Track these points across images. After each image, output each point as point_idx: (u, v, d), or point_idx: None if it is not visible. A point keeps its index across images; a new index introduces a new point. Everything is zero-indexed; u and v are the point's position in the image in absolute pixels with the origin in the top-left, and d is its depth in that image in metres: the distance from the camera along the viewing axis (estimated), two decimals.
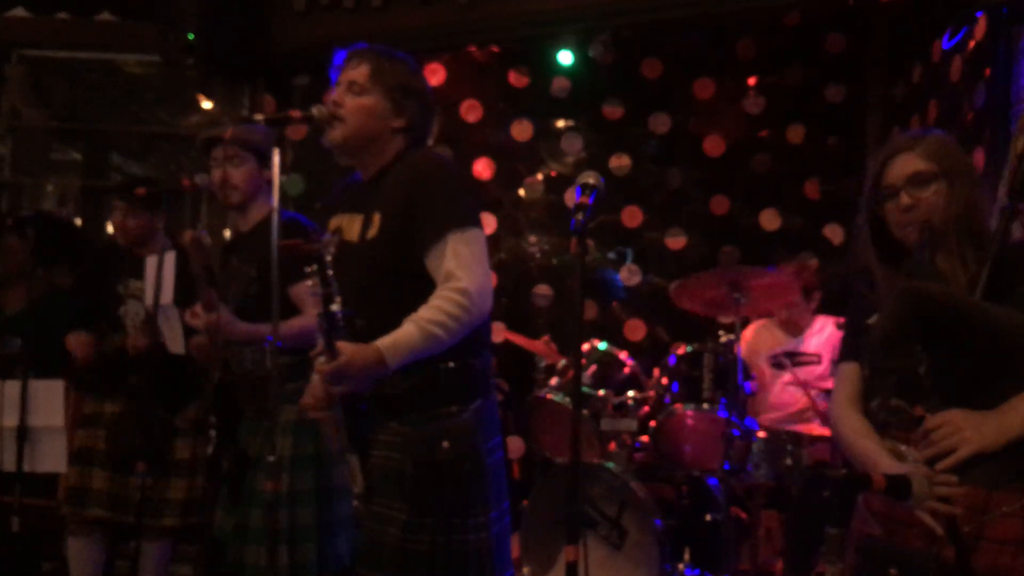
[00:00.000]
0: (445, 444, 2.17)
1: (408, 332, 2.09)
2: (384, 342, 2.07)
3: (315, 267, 1.95)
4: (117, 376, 3.64)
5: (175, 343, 3.29)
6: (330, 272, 1.97)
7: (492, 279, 2.29)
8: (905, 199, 1.98)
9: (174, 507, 3.63)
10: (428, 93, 2.45)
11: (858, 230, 2.14)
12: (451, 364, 2.21)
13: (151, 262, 3.19)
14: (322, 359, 2.09)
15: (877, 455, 1.94)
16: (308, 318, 2.99)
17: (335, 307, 1.97)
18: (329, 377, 2.08)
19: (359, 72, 2.33)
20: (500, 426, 2.37)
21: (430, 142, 2.51)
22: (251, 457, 3.04)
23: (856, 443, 2.00)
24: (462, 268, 2.15)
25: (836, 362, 2.18)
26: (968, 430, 1.80)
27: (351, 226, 2.35)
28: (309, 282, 2.02)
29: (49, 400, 3.45)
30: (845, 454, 2.07)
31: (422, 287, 2.18)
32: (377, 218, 2.27)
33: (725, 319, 3.82)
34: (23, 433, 3.40)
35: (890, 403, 1.94)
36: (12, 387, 3.42)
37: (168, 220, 3.57)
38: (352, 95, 2.32)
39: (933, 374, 1.86)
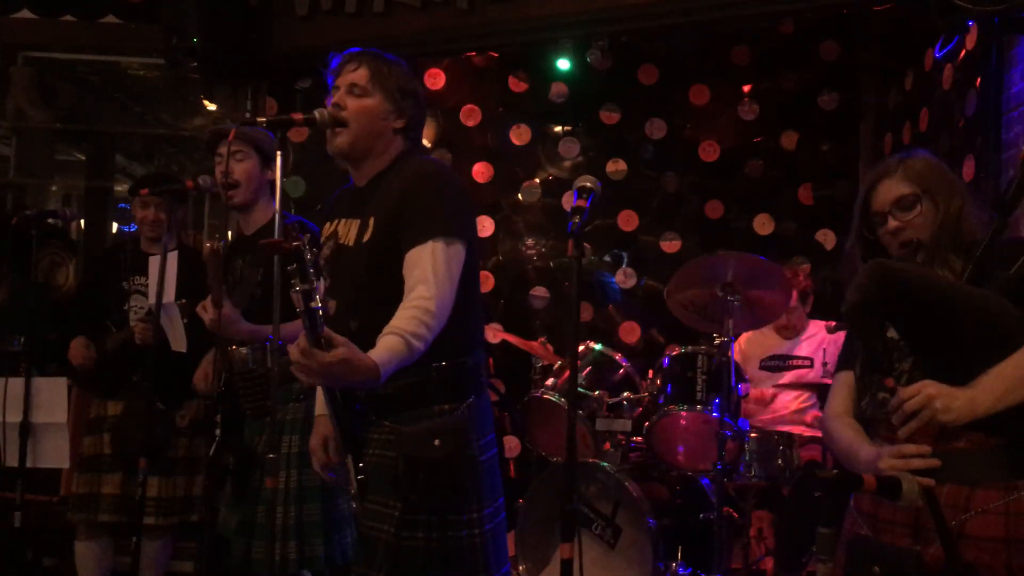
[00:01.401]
0: (437, 442, 2.18)
1: (397, 347, 2.08)
2: (381, 358, 2.06)
3: (295, 265, 1.95)
4: (120, 374, 3.67)
5: (177, 341, 3.32)
6: (311, 269, 1.98)
7: (486, 285, 2.29)
8: (892, 223, 2.04)
9: (175, 504, 3.67)
10: (422, 95, 2.48)
11: (847, 254, 2.17)
12: (443, 363, 2.23)
13: (154, 261, 3.21)
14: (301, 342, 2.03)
15: (852, 435, 1.99)
16: None
17: (315, 304, 1.99)
18: (311, 369, 2.00)
19: (359, 74, 2.35)
20: (493, 424, 2.39)
21: (427, 143, 2.53)
22: (257, 455, 3.07)
23: (842, 435, 2.04)
24: (435, 276, 2.16)
25: (834, 371, 2.20)
26: (938, 399, 1.81)
27: (348, 231, 2.37)
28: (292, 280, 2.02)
29: (52, 397, 3.47)
30: (834, 455, 2.10)
31: None
32: (373, 222, 2.29)
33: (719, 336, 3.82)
34: (26, 429, 3.43)
35: (877, 397, 1.96)
36: (15, 384, 3.45)
37: (174, 221, 3.61)
38: (354, 97, 2.34)
39: (909, 350, 1.90)
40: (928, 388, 1.82)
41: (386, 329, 2.11)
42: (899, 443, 1.88)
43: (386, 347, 2.08)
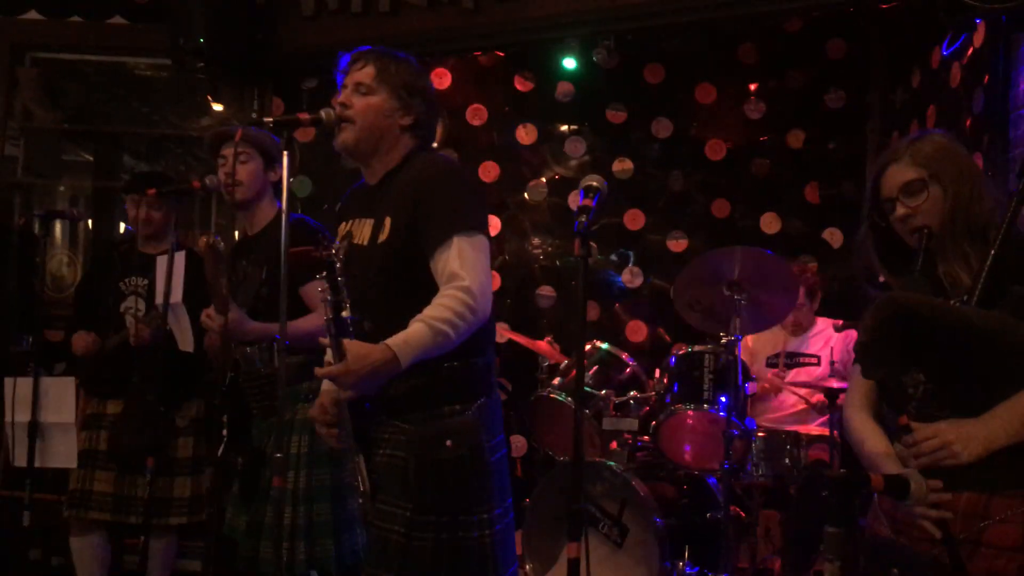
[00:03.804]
0: (448, 443, 2.18)
1: (419, 331, 2.09)
2: (395, 341, 2.07)
3: (325, 274, 1.97)
4: (120, 375, 3.68)
5: (185, 341, 3.32)
6: (340, 278, 1.99)
7: (493, 284, 2.30)
8: (901, 209, 2.02)
9: (180, 505, 3.68)
10: (432, 92, 2.46)
11: (859, 242, 2.15)
12: (455, 363, 2.22)
13: (161, 261, 3.22)
14: (327, 360, 2.10)
15: (880, 461, 1.95)
16: (319, 317, 3.04)
17: (345, 313, 1.99)
18: (340, 379, 2.07)
19: (365, 73, 2.35)
20: (503, 424, 2.37)
21: (435, 143, 2.52)
22: (267, 455, 3.07)
23: (863, 446, 2.02)
24: (465, 268, 2.16)
25: (853, 362, 2.17)
26: (956, 443, 1.80)
27: (361, 230, 2.36)
28: (319, 287, 2.03)
29: (60, 396, 3.48)
30: (855, 454, 2.08)
31: (432, 291, 2.19)
32: (388, 222, 2.28)
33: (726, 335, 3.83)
34: (34, 429, 3.44)
35: (890, 411, 1.96)
36: (24, 383, 3.46)
37: (178, 220, 3.61)
38: (359, 95, 2.33)
39: (929, 378, 1.87)
40: (945, 434, 1.82)
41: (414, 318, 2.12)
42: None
43: (405, 332, 2.09)
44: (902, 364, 1.87)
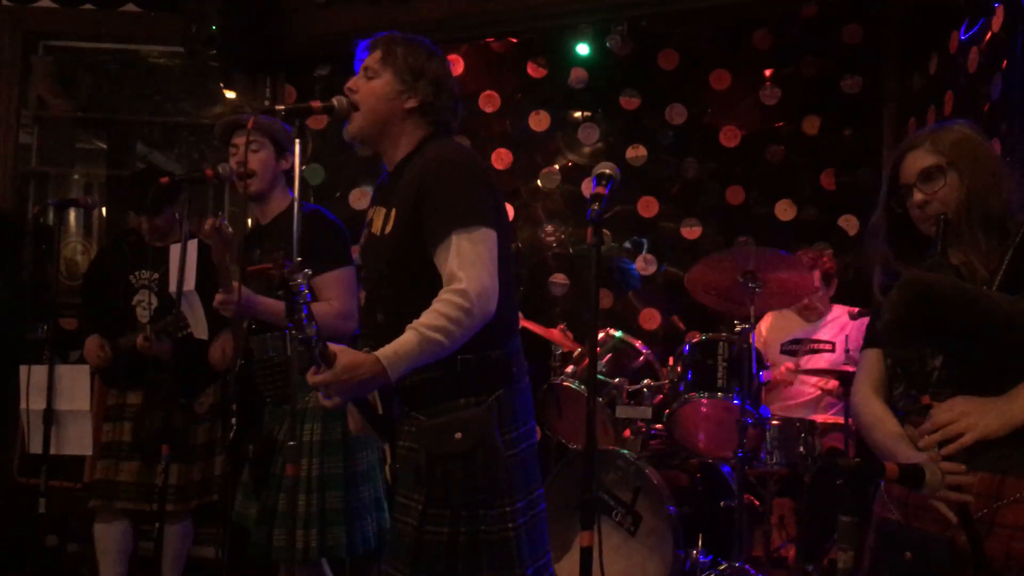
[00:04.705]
0: (458, 435, 2.15)
1: (408, 341, 2.05)
2: (385, 353, 2.04)
3: (282, 292, 1.91)
4: (135, 367, 3.70)
5: (199, 329, 3.33)
6: (299, 300, 1.91)
7: (496, 279, 2.23)
8: (918, 195, 2.01)
9: (194, 488, 3.72)
10: (446, 76, 2.40)
11: (872, 229, 2.14)
12: (468, 356, 2.18)
13: (174, 250, 3.21)
14: (313, 370, 2.06)
15: (895, 443, 1.94)
16: (328, 305, 3.05)
17: (302, 336, 1.93)
18: (325, 389, 2.04)
19: (372, 57, 2.33)
20: (531, 413, 2.32)
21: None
22: (278, 442, 3.08)
23: (875, 430, 2.01)
24: (464, 268, 2.11)
25: (861, 348, 2.18)
26: (974, 417, 1.81)
27: (377, 219, 2.35)
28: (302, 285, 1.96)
29: (75, 384, 3.50)
30: (865, 440, 2.07)
31: (438, 283, 2.15)
32: (394, 213, 2.26)
33: (740, 315, 3.82)
34: (49, 417, 3.46)
35: (911, 391, 1.94)
36: (39, 371, 3.48)
37: (190, 209, 3.63)
38: (365, 80, 2.32)
39: (945, 363, 1.87)
40: (960, 405, 1.82)
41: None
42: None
43: (396, 342, 2.06)
44: (926, 344, 1.86)
